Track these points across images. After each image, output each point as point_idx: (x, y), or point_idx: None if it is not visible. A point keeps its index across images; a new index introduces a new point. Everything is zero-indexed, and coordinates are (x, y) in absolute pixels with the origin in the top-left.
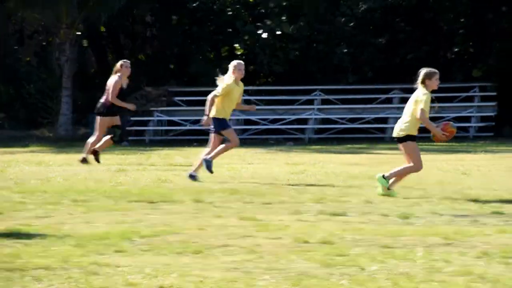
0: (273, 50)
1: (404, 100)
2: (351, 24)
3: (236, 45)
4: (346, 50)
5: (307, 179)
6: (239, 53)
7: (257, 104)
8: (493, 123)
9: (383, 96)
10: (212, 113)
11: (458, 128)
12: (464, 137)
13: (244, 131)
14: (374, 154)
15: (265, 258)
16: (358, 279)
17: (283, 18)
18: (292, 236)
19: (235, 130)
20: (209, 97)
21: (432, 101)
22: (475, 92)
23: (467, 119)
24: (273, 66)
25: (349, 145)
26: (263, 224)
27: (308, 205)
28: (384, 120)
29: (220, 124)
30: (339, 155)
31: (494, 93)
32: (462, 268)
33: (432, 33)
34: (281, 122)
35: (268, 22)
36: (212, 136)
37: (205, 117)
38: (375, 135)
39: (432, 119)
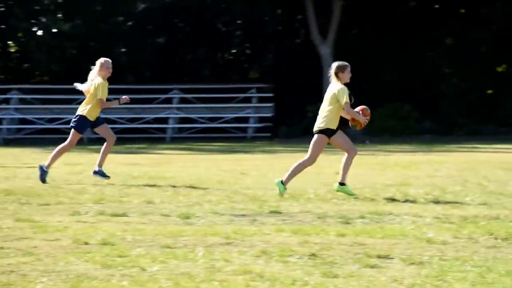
0: (49, 48)
1: (184, 100)
2: (129, 23)
3: (10, 42)
4: (124, 50)
5: (86, 179)
6: (13, 50)
7: (32, 103)
8: (271, 124)
9: (163, 96)
10: (82, 111)
11: (236, 129)
12: (242, 138)
13: (19, 130)
14: (154, 154)
15: (43, 261)
16: (139, 280)
17: (59, 15)
18: (71, 237)
19: (10, 129)
20: (101, 105)
21: (350, 95)
22: (252, 93)
23: (245, 120)
24: (50, 65)
25: (128, 145)
26: (41, 225)
27: (87, 206)
28: (164, 120)
29: (81, 125)
30: (119, 155)
31: (271, 95)
32: (242, 267)
33: (210, 34)
34: (58, 122)
35: (43, 20)
36: (100, 129)
37: (119, 101)
38: (155, 135)
39: (214, 119)
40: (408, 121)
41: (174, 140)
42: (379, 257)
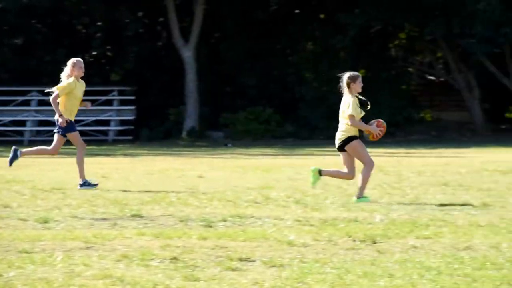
0: None
1: (43, 103)
2: None
3: None
4: None
5: None
6: None
7: None
8: (132, 127)
9: (21, 98)
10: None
11: (97, 132)
12: (103, 141)
13: None
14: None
15: None
16: None
17: None
18: None
19: None
20: (52, 98)
21: (363, 103)
22: (114, 95)
23: (106, 122)
24: None
25: None
26: None
27: None
28: (22, 123)
29: (66, 126)
30: None
31: (133, 97)
32: (102, 271)
33: (69, 36)
34: None
35: None
36: (56, 136)
37: (60, 118)
38: (12, 138)
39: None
40: (270, 124)
41: (32, 143)
42: (240, 260)
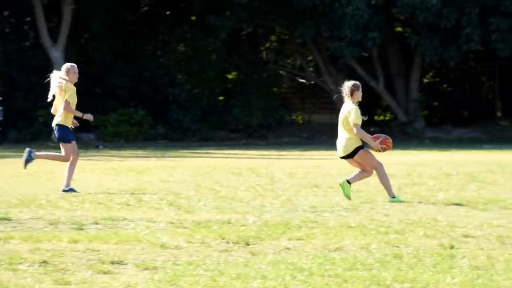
0: None
1: None
2: None
3: None
4: None
5: None
6: None
7: None
8: (0, 128)
9: None
10: (58, 120)
11: None
12: None
13: None
14: None
15: None
16: None
17: None
18: None
19: None
20: (65, 108)
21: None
22: None
23: None
24: None
25: None
26: None
27: None
28: None
29: (64, 133)
30: None
31: (0, 98)
32: None
33: None
34: None
35: None
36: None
37: (85, 116)
38: None
39: None
40: (142, 126)
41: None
42: (112, 263)
